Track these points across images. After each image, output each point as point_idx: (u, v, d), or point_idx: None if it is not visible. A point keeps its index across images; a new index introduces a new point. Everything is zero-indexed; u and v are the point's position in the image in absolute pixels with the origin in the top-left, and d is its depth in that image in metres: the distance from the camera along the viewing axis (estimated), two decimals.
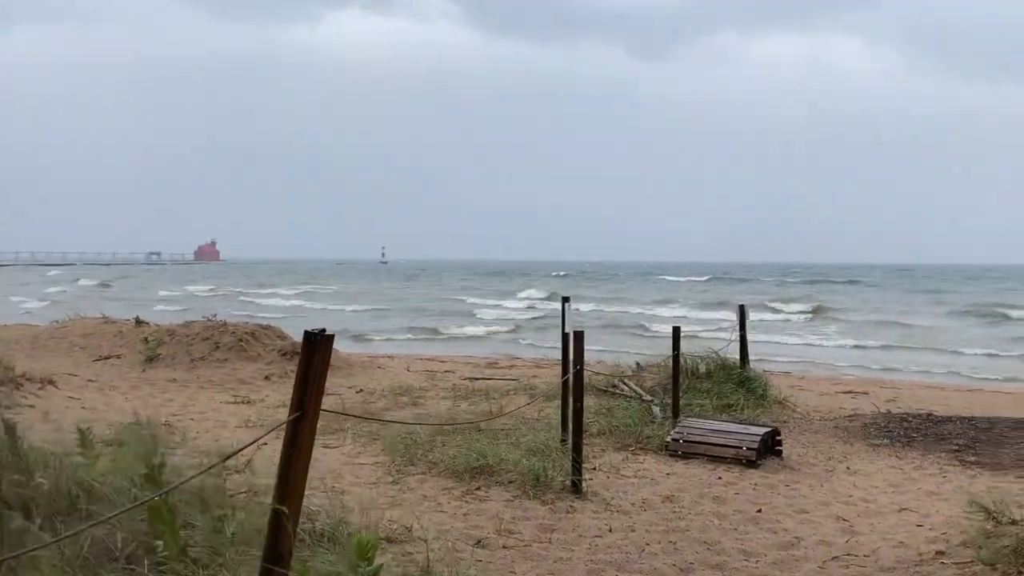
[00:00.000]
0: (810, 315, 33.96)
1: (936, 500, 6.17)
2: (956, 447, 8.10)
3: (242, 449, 3.46)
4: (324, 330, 3.02)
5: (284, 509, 2.83)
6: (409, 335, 26.21)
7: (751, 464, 7.06)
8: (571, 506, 5.65)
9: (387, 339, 24.44)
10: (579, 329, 5.96)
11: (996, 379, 16.77)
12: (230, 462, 6.82)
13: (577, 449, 5.86)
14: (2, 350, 13.88)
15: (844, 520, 5.60)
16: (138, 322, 15.22)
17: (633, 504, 5.84)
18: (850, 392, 13.30)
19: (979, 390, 14.62)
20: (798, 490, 6.42)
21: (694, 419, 8.03)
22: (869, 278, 69.96)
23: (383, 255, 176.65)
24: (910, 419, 9.65)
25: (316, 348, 2.90)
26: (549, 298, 41.79)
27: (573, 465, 5.92)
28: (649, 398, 9.67)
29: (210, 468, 4.76)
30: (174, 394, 11.00)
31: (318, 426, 7.19)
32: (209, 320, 14.49)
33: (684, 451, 7.41)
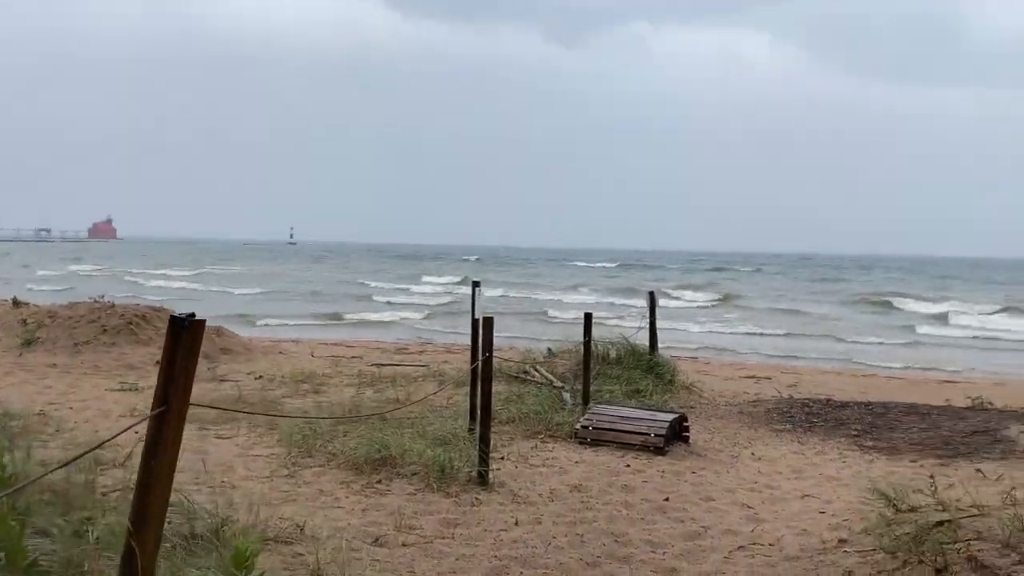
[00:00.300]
0: (717, 302, 34.89)
1: (837, 486, 6.26)
2: (855, 432, 8.31)
3: (111, 439, 3.07)
4: (194, 314, 2.68)
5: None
6: (312, 320, 25.40)
7: (659, 451, 7.02)
8: (477, 498, 5.43)
9: (285, 324, 23.55)
10: (488, 315, 5.73)
11: (889, 366, 17.54)
12: (108, 455, 6.30)
13: (484, 440, 5.64)
14: None
15: (749, 507, 5.59)
16: (16, 303, 14.11)
17: (541, 495, 5.67)
18: (753, 377, 13.61)
19: (874, 375, 15.24)
20: (704, 477, 6.40)
21: (603, 406, 7.95)
22: (772, 266, 72.72)
23: (291, 236, 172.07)
24: (811, 404, 9.89)
25: (183, 334, 2.55)
26: (462, 282, 41.51)
27: (480, 456, 5.70)
28: (560, 384, 9.56)
29: (73, 461, 4.31)
30: (54, 381, 10.19)
31: (212, 415, 6.72)
32: (96, 301, 13.55)
33: (593, 439, 7.30)
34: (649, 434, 7.10)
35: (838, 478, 6.50)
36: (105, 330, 12.50)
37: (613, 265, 69.59)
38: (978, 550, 3.62)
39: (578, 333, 9.89)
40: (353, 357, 14.40)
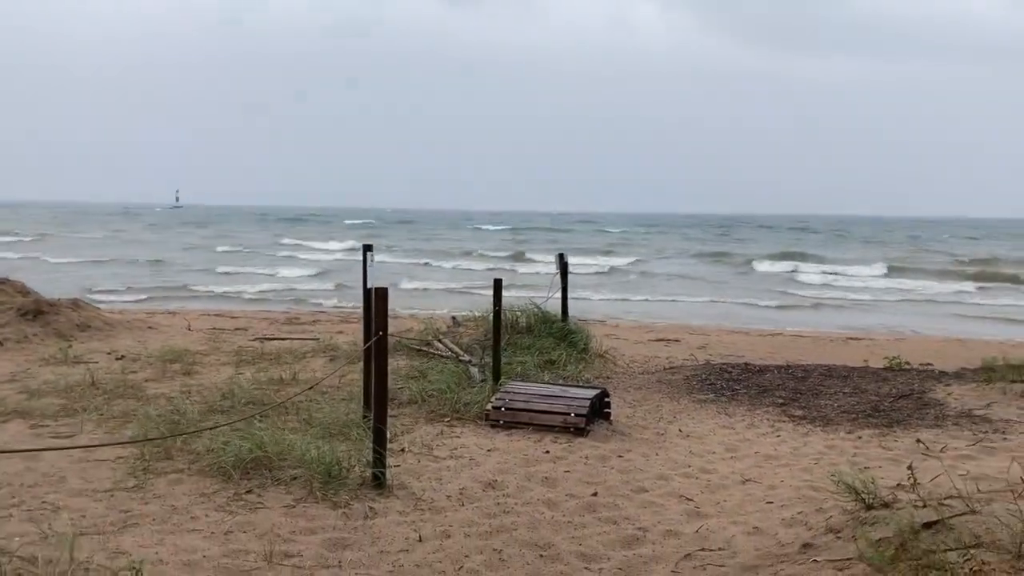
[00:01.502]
0: (612, 269, 34.78)
1: (776, 466, 5.66)
2: (780, 400, 7.82)
3: None
4: None
5: None
6: (151, 294, 23.37)
7: (580, 432, 6.25)
8: (371, 508, 4.48)
9: (118, 300, 21.42)
10: (382, 285, 4.73)
11: (784, 323, 17.56)
12: None
13: (379, 436, 4.67)
14: None
15: (688, 500, 4.89)
16: None
17: (449, 497, 4.78)
18: (663, 340, 13.14)
19: (779, 334, 15.08)
20: (633, 462, 5.68)
21: (516, 383, 7.11)
22: (675, 229, 73.97)
23: (177, 199, 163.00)
24: (730, 370, 9.40)
25: None
26: (352, 249, 39.78)
27: (375, 456, 4.74)
28: (467, 358, 8.67)
29: None
30: None
31: (53, 408, 5.48)
32: None
33: (507, 420, 6.46)
34: (569, 414, 6.31)
35: (776, 456, 5.91)
36: None
37: (505, 228, 68.99)
38: (984, 563, 2.99)
39: (483, 300, 9.04)
40: (237, 330, 13.04)
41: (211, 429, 5.22)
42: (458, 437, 6.24)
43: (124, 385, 7.84)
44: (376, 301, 4.75)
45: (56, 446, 5.63)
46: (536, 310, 10.27)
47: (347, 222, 75.98)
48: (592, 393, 6.62)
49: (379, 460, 4.67)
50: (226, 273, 28.13)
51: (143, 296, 20.74)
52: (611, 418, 6.76)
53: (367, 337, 6.35)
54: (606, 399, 6.81)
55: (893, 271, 31.80)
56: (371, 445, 4.93)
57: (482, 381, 7.88)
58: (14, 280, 12.16)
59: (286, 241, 45.55)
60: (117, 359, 9.41)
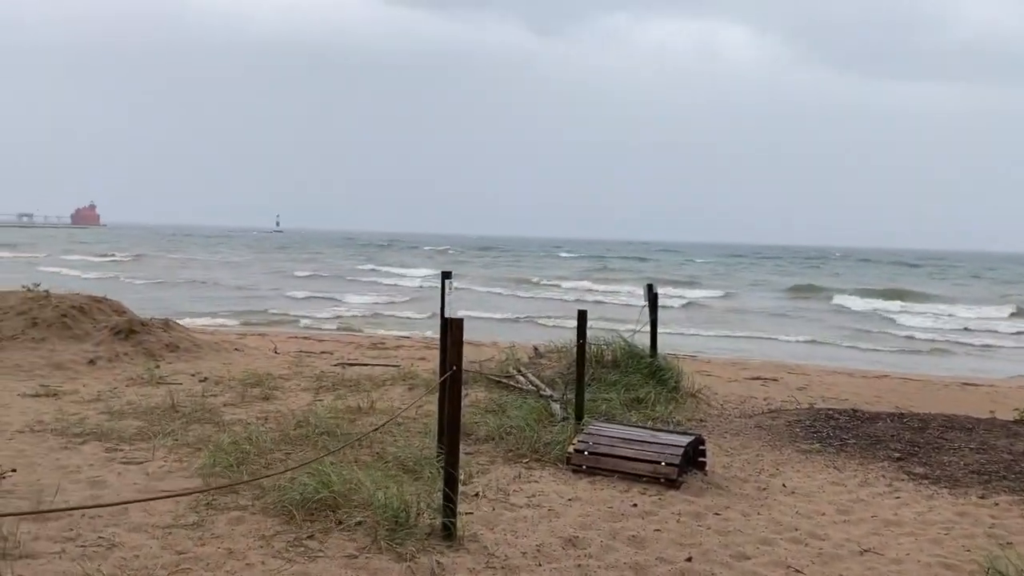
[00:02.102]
0: (711, 299, 33.63)
1: (899, 534, 4.95)
2: (896, 453, 7.02)
3: None
4: None
5: None
6: (230, 318, 23.93)
7: (671, 483, 5.69)
8: (439, 563, 4.07)
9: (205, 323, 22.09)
10: (460, 315, 4.36)
11: (890, 364, 16.33)
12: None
13: (450, 482, 4.28)
14: None
15: (798, 572, 4.27)
16: None
17: (525, 554, 4.32)
18: (759, 379, 12.34)
19: (884, 376, 13.99)
20: (732, 521, 5.08)
21: (601, 424, 6.60)
22: (767, 260, 71.64)
23: (278, 223, 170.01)
24: (836, 416, 8.60)
25: None
26: (429, 276, 39.96)
27: (445, 503, 4.34)
28: (548, 393, 8.22)
29: None
30: None
31: (131, 430, 5.37)
32: (29, 290, 12.07)
33: (590, 466, 5.96)
34: (659, 462, 5.76)
35: (897, 522, 5.19)
36: (35, 323, 11.04)
37: (586, 256, 68.25)
38: None
39: (565, 331, 8.58)
40: (322, 353, 13.01)
41: (279, 474, 4.93)
42: (537, 482, 5.78)
43: (203, 409, 7.75)
44: (451, 333, 4.38)
45: (126, 476, 5.47)
46: (623, 343, 9.73)
47: (426, 248, 77.06)
48: (685, 440, 6.05)
49: (450, 508, 4.27)
50: (311, 297, 28.65)
51: (233, 321, 21.22)
52: (706, 468, 6.16)
53: (443, 369, 6.01)
54: (701, 446, 6.22)
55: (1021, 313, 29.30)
56: (442, 488, 4.54)
57: (564, 419, 7.41)
58: (111, 299, 12.49)
59: (372, 266, 46.31)
60: (200, 381, 9.41)
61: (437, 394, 8.10)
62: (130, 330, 11.18)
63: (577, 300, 28.24)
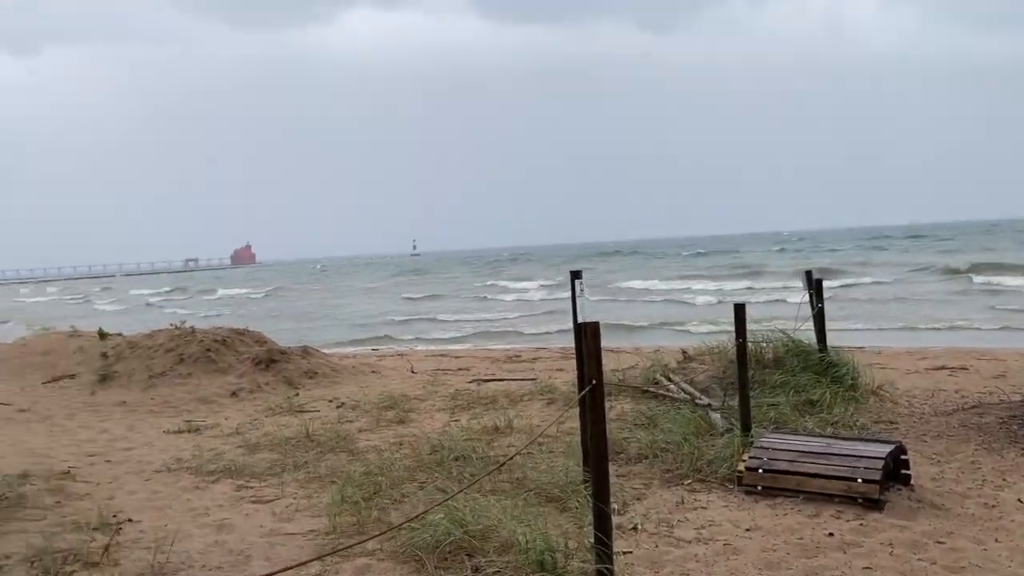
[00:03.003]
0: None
1: None
2: None
3: None
4: None
5: None
6: (420, 331, 23.99)
7: (872, 504, 4.67)
8: None
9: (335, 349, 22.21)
10: (592, 320, 3.63)
11: None
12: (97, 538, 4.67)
13: (601, 521, 3.52)
14: None
15: None
16: (101, 335, 13.22)
17: None
18: (944, 368, 10.75)
19: None
20: (963, 552, 4.02)
21: (775, 435, 5.63)
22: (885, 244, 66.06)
23: (414, 247, 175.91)
24: None
25: None
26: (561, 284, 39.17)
27: (597, 545, 3.59)
28: (705, 401, 7.30)
29: None
30: (114, 423, 8.91)
31: (262, 466, 4.97)
32: (176, 328, 12.42)
33: (767, 486, 5.04)
34: (854, 479, 4.76)
35: None
36: (182, 359, 11.28)
37: (726, 251, 65.15)
38: None
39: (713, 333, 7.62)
40: (459, 370, 12.62)
41: (405, 523, 4.37)
42: (704, 508, 4.92)
43: (337, 437, 7.41)
44: (587, 340, 3.65)
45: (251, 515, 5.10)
46: (785, 339, 8.62)
47: (556, 258, 76.47)
48: (884, 449, 5.00)
49: (604, 553, 3.52)
50: (443, 314, 28.70)
51: (370, 345, 21.42)
52: (911, 482, 5.07)
53: (580, 381, 5.28)
54: (902, 456, 5.14)
55: None
56: (592, 520, 3.80)
57: (727, 430, 6.48)
58: (253, 331, 12.65)
59: (504, 281, 46.20)
60: (336, 407, 9.17)
61: (575, 407, 7.37)
62: (270, 360, 11.20)
63: (720, 301, 26.69)
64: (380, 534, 4.18)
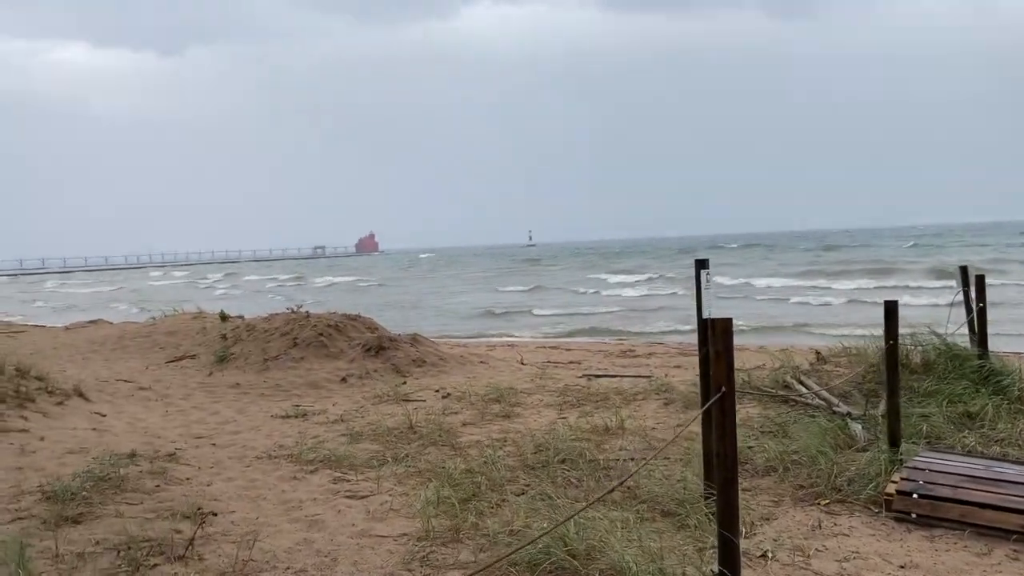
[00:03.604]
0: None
1: None
2: None
3: None
4: None
5: None
6: (539, 321, 23.66)
7: None
8: None
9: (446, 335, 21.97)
10: (725, 316, 3.08)
11: None
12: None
13: (727, 554, 2.97)
14: (56, 353, 12.58)
15: None
16: (223, 317, 13.62)
17: None
18: None
19: None
20: None
21: (933, 454, 4.85)
22: None
23: (530, 238, 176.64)
24: None
25: None
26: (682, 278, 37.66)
27: None
28: (843, 408, 6.51)
29: None
30: (226, 405, 9.02)
31: (363, 456, 4.67)
32: (292, 312, 12.59)
33: (923, 514, 4.30)
34: None
35: None
36: (296, 343, 11.39)
37: (859, 245, 61.21)
38: None
39: (846, 332, 6.79)
40: (570, 363, 12.18)
41: (504, 557, 3.96)
42: (846, 535, 4.25)
43: (440, 430, 7.11)
44: (715, 338, 3.10)
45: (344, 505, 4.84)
46: (937, 342, 7.65)
47: (675, 249, 74.25)
48: None
49: None
50: (556, 306, 28.24)
51: (484, 335, 21.28)
52: None
53: (704, 383, 4.71)
54: None
55: None
56: (715, 547, 3.26)
57: (870, 444, 5.71)
58: (365, 316, 12.65)
59: (619, 276, 45.27)
60: (443, 398, 8.91)
61: (699, 415, 6.78)
62: (380, 347, 11.12)
63: (849, 301, 24.92)
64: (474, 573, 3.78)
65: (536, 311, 26.24)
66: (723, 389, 3.07)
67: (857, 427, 5.97)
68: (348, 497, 5.22)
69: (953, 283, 8.75)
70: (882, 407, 6.43)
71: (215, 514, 4.70)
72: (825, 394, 6.86)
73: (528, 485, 5.26)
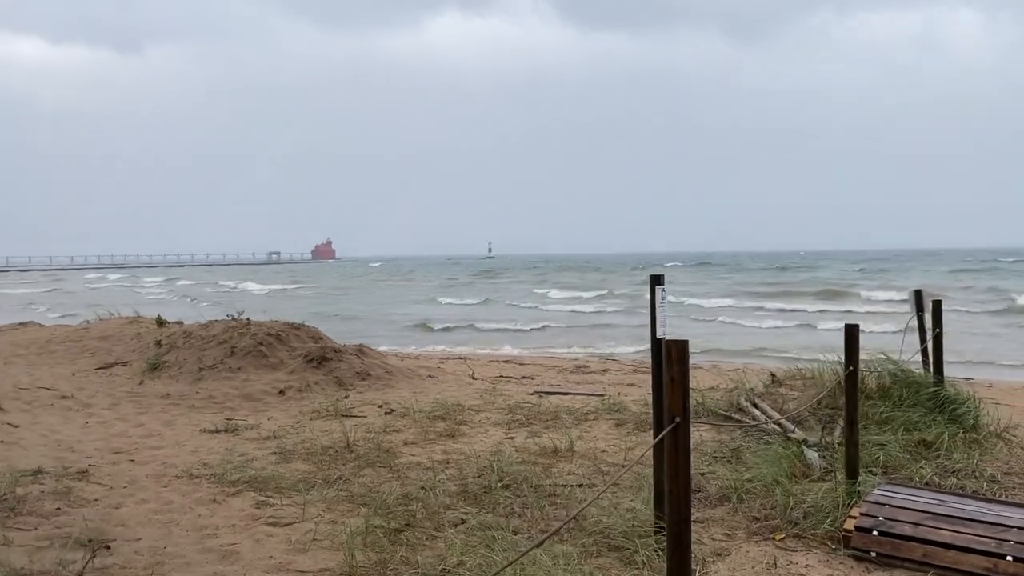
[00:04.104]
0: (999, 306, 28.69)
1: None
2: None
3: None
4: None
5: None
6: (495, 329, 23.30)
7: None
8: None
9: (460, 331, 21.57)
10: (679, 338, 2.77)
11: None
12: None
13: None
14: None
15: None
16: (160, 322, 12.98)
17: None
18: None
19: None
20: None
21: (892, 488, 4.62)
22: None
23: (489, 250, 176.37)
24: None
25: None
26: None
27: None
28: (799, 435, 6.28)
29: None
30: (153, 416, 8.46)
31: (290, 480, 4.32)
32: (233, 319, 12.02)
33: (883, 553, 4.05)
34: (1002, 555, 3.73)
35: None
36: (233, 352, 10.82)
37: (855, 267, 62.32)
38: None
39: (805, 353, 6.60)
40: (523, 378, 11.84)
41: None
42: (803, 575, 3.97)
43: (379, 449, 6.70)
44: (671, 363, 2.79)
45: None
46: (892, 367, 7.51)
47: (644, 266, 74.71)
48: None
49: None
50: (511, 319, 27.93)
51: (431, 346, 20.85)
52: None
53: (656, 408, 4.41)
54: None
55: None
56: None
57: (826, 472, 5.49)
58: (309, 326, 12.14)
59: (570, 291, 45.22)
60: (385, 413, 8.49)
61: (650, 439, 6.49)
62: (323, 358, 10.64)
63: (799, 325, 25.10)
64: None
65: (479, 324, 25.72)
66: (677, 419, 2.76)
67: (813, 455, 5.74)
68: (270, 524, 4.78)
69: (907, 307, 8.68)
70: (838, 434, 6.22)
71: (108, 547, 4.22)
72: (780, 419, 6.63)
73: (468, 514, 4.89)
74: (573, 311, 30.90)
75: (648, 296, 3.97)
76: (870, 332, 19.18)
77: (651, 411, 7.77)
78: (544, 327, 24.64)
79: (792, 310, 28.33)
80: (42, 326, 17.56)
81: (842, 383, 5.73)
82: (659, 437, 2.94)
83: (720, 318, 26.31)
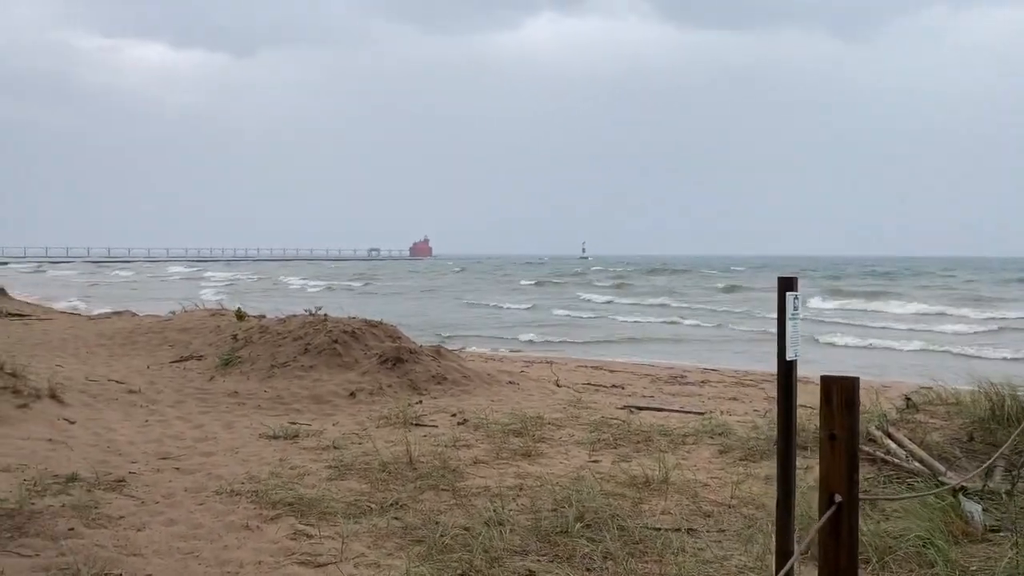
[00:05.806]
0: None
1: None
2: None
3: None
4: None
5: None
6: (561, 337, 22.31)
7: None
8: None
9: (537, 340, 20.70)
10: (843, 373, 1.71)
11: None
12: None
13: None
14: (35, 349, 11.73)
15: None
16: (239, 316, 12.67)
17: None
18: None
19: None
20: None
21: None
22: None
23: (583, 250, 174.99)
24: None
25: None
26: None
27: None
28: (950, 479, 5.08)
29: None
30: (213, 417, 7.97)
31: (348, 495, 3.60)
32: (311, 314, 11.55)
33: None
34: None
35: None
36: (307, 350, 10.31)
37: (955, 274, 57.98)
38: None
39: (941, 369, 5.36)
40: (612, 387, 10.87)
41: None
42: None
43: (444, 468, 5.91)
44: (831, 413, 1.82)
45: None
46: None
47: (737, 268, 71.62)
48: None
49: None
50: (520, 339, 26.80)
51: (512, 346, 20.08)
52: None
53: (785, 456, 3.38)
54: None
55: None
56: None
57: (992, 530, 4.32)
58: (387, 324, 11.53)
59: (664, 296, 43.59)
60: (458, 424, 7.70)
61: (764, 462, 5.46)
62: (397, 359, 9.97)
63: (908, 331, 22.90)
64: None
65: (565, 330, 24.78)
66: (838, 499, 1.78)
67: (975, 507, 4.56)
68: (301, 563, 4.04)
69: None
70: (998, 479, 5.00)
71: None
72: (928, 459, 5.43)
73: (538, 563, 4.01)
74: (671, 322, 29.53)
75: (776, 303, 2.96)
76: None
77: (759, 435, 6.68)
78: (641, 335, 23.48)
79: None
80: (136, 315, 17.81)
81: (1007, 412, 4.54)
82: (820, 521, 1.97)
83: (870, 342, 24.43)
